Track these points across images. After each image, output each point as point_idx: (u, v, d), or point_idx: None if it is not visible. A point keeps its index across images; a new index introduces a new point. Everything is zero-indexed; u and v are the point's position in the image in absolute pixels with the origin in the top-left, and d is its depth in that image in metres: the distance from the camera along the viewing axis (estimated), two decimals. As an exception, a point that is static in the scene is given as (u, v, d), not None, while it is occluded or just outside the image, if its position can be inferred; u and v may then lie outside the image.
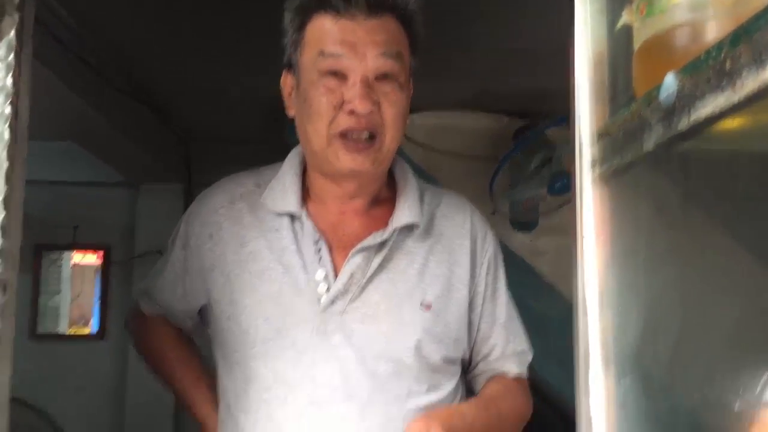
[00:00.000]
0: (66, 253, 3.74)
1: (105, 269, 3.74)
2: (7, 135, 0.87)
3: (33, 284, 3.63)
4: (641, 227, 0.61)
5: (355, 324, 1.22)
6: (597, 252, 0.63)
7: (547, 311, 3.02)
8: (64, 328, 3.70)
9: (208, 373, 1.41)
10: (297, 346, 1.22)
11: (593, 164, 0.64)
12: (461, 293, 1.29)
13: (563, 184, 2.75)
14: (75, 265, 3.75)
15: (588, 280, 0.63)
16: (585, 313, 0.62)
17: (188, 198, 1.28)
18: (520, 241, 3.03)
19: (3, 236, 0.84)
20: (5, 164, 0.85)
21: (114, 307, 3.69)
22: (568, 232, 2.70)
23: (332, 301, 1.23)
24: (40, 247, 3.66)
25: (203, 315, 1.37)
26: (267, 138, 2.78)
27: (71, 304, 3.73)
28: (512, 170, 3.00)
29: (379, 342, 1.22)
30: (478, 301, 1.31)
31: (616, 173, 0.62)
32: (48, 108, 2.49)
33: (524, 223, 3.04)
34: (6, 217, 0.84)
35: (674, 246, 0.59)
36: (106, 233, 3.77)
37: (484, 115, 3.11)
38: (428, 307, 1.25)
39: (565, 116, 2.54)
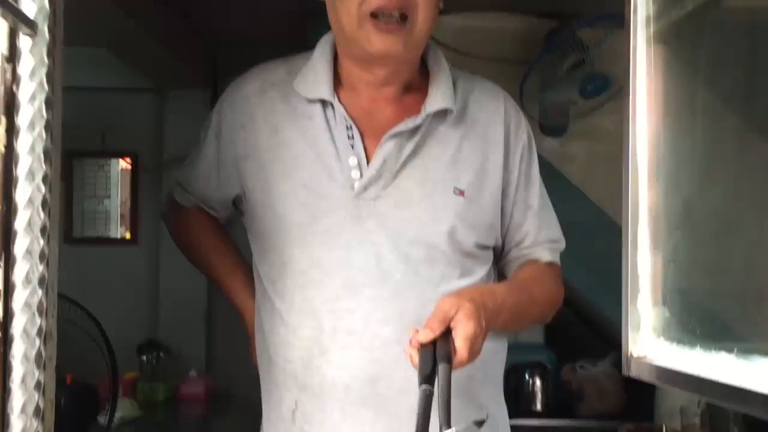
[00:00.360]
0: (113, 160, 3.78)
1: (134, 176, 3.78)
2: (47, 36, 0.86)
3: (66, 189, 3.68)
4: (697, 82, 0.60)
5: (389, 210, 1.24)
6: (649, 109, 0.61)
7: (575, 217, 3.02)
8: (113, 232, 3.78)
9: (244, 262, 1.44)
10: (331, 231, 1.24)
11: (647, 22, 0.62)
12: (495, 180, 1.29)
13: (596, 87, 2.70)
14: (123, 170, 3.81)
15: (639, 140, 0.62)
16: (636, 171, 0.61)
17: (215, 104, 1.29)
18: (549, 146, 3.00)
19: (46, 137, 0.85)
20: (46, 63, 0.84)
21: (144, 212, 3.74)
22: (598, 137, 2.67)
23: (365, 188, 1.24)
24: (69, 154, 3.69)
25: (238, 204, 1.39)
26: (293, 43, 2.74)
27: (119, 208, 3.80)
28: (543, 73, 2.93)
29: (412, 227, 1.24)
30: (512, 188, 1.31)
31: (672, 28, 0.60)
32: (77, 12, 2.46)
33: (554, 127, 3.00)
34: (49, 119, 0.84)
35: (732, 99, 0.58)
36: (134, 140, 3.79)
37: (514, 17, 3.02)
38: (461, 192, 1.25)
39: (599, 14, 2.46)
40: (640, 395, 3.28)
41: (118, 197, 3.79)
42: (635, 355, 0.63)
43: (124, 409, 2.81)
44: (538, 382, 3.41)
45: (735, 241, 0.56)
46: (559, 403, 3.41)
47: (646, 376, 0.60)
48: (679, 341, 0.57)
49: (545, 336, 3.80)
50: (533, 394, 3.42)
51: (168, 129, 3.70)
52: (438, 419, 0.95)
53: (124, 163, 3.80)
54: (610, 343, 3.64)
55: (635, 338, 0.64)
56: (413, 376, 1.03)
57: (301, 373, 1.25)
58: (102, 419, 2.80)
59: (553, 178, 3.19)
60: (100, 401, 2.59)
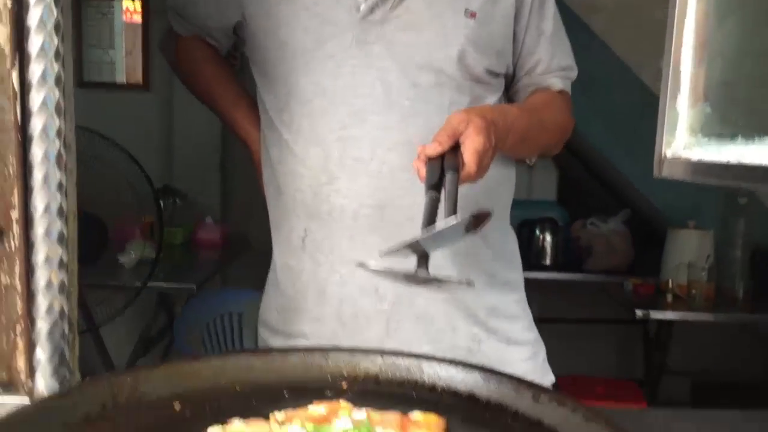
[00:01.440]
0: (117, 5, 3.66)
1: (144, 20, 3.67)
2: None
3: (76, 35, 3.59)
4: None
5: (396, 33, 1.19)
6: None
7: (597, 70, 2.94)
8: (120, 79, 3.73)
9: (247, 93, 1.40)
10: (336, 57, 1.19)
11: None
12: (507, 2, 1.23)
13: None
14: (125, 22, 3.70)
15: None
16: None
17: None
18: (575, -6, 2.88)
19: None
20: None
21: (155, 58, 3.67)
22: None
23: (371, 10, 1.18)
24: (79, -3, 3.59)
25: (239, 32, 1.34)
26: None
27: (126, 58, 3.72)
28: None
29: (420, 52, 1.19)
30: (525, 11, 1.25)
31: None
32: None
33: (582, -26, 2.87)
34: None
35: None
36: (143, -18, 3.66)
37: None
38: (473, 15, 1.19)
39: None
40: (648, 252, 3.33)
41: (122, 48, 3.70)
42: (669, 156, 0.61)
43: (141, 249, 2.88)
44: (548, 237, 3.46)
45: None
46: (569, 258, 3.47)
47: (680, 174, 0.58)
48: (719, 135, 0.55)
49: (558, 193, 3.82)
50: (543, 248, 3.47)
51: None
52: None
53: (128, 15, 3.68)
54: (621, 200, 3.65)
55: (670, 140, 0.62)
56: (422, 203, 0.98)
57: (310, 202, 1.24)
58: (123, 258, 2.88)
59: (577, 28, 3.09)
60: (108, 236, 2.63)
